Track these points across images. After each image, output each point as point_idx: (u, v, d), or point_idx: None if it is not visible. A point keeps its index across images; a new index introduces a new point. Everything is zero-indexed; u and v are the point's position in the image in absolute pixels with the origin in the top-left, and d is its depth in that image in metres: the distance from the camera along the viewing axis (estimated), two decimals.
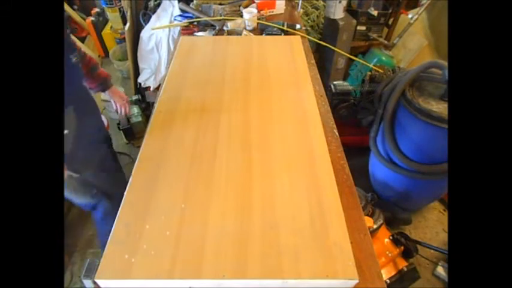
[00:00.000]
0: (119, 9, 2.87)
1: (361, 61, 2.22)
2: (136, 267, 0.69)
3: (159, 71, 2.23)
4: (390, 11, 2.33)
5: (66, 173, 0.99)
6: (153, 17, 2.23)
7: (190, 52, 1.41)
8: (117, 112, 1.39)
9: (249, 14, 1.71)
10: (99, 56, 3.20)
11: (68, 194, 1.21)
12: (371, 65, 2.09)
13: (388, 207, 1.78)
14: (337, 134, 1.09)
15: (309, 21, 2.44)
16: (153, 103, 1.62)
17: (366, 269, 0.75)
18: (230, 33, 1.68)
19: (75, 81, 1.04)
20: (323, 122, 1.06)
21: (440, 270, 1.66)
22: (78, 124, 1.03)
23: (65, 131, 0.98)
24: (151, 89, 2.29)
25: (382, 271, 0.82)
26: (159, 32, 2.17)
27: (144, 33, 2.23)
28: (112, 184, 1.26)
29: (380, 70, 1.90)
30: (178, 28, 1.89)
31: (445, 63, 1.37)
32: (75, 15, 3.05)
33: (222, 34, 1.69)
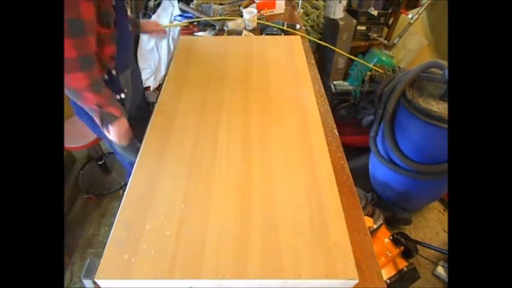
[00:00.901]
0: None
1: (361, 61, 2.22)
2: (136, 267, 0.69)
3: (159, 71, 2.23)
4: (390, 11, 2.33)
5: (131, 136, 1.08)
6: (153, 17, 2.22)
7: (190, 52, 1.41)
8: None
9: (249, 14, 1.71)
10: None
11: (128, 155, 1.24)
12: (371, 65, 2.09)
13: (388, 207, 1.78)
14: (337, 134, 1.09)
15: (309, 21, 2.44)
16: (153, 103, 1.62)
17: (366, 269, 0.75)
18: (230, 33, 1.68)
19: (131, 46, 1.13)
20: (323, 122, 1.06)
21: (440, 270, 1.66)
22: (133, 85, 1.13)
23: (125, 90, 1.08)
24: (151, 89, 2.29)
25: (382, 271, 0.82)
26: None
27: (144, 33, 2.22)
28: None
29: (380, 70, 1.90)
30: (178, 28, 1.89)
31: (445, 63, 1.37)
32: None
33: (222, 34, 1.69)
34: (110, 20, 0.92)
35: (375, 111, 1.72)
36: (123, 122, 1.01)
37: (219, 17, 1.76)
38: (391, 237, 1.52)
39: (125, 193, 0.84)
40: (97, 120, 0.97)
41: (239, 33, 1.67)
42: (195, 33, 1.72)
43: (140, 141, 1.02)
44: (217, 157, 0.92)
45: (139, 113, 1.31)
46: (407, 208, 1.88)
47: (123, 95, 1.08)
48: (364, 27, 2.33)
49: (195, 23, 1.79)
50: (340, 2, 2.10)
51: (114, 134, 1.01)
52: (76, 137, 1.79)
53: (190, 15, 1.82)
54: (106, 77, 1.01)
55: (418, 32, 2.42)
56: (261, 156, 0.93)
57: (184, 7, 1.85)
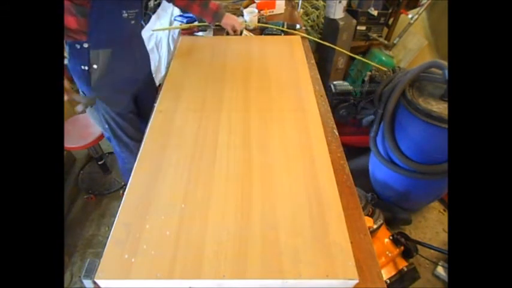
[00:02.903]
0: None
1: (362, 59, 2.22)
2: (136, 267, 0.69)
3: (159, 71, 2.23)
4: (390, 11, 2.33)
5: (81, 99, 1.14)
6: (153, 17, 2.23)
7: (190, 52, 1.41)
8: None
9: (250, 14, 1.71)
10: None
11: (90, 116, 1.41)
12: (373, 63, 2.09)
13: (388, 207, 1.78)
14: (337, 134, 1.09)
15: (309, 21, 2.44)
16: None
17: (366, 269, 0.75)
18: (230, 33, 1.68)
19: (122, 32, 1.18)
20: (323, 122, 1.06)
21: (440, 270, 1.66)
22: (110, 65, 1.17)
23: (94, 66, 1.14)
24: None
25: (382, 271, 0.82)
26: (159, 32, 2.17)
27: (144, 33, 2.22)
28: (122, 128, 1.38)
29: (383, 68, 1.90)
30: None
31: (445, 63, 1.37)
32: None
33: (222, 34, 1.69)
34: None
35: (375, 111, 1.72)
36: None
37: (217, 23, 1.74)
38: (391, 237, 1.52)
39: (125, 193, 0.84)
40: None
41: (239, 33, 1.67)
42: (195, 33, 1.72)
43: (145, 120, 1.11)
44: (217, 157, 0.92)
45: (144, 93, 1.44)
46: (407, 208, 1.88)
47: (87, 67, 1.14)
48: (364, 27, 2.33)
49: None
50: (340, 2, 2.10)
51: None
52: (76, 137, 1.79)
53: (191, 15, 1.81)
54: (77, 46, 1.09)
55: (418, 32, 2.42)
56: (261, 156, 0.93)
57: None
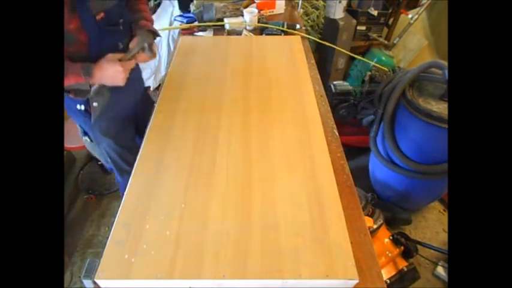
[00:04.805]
0: None
1: (362, 59, 2.22)
2: (136, 267, 0.69)
3: (159, 71, 2.23)
4: (390, 11, 2.33)
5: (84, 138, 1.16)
6: (153, 17, 2.22)
7: (190, 52, 1.41)
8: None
9: (250, 14, 1.71)
10: None
11: (90, 150, 1.39)
12: (373, 62, 2.09)
13: (388, 207, 1.78)
14: (337, 134, 1.09)
15: (309, 21, 2.44)
16: (153, 103, 1.61)
17: (366, 269, 0.75)
18: (230, 33, 1.68)
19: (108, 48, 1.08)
20: (323, 122, 1.06)
21: (440, 270, 1.66)
22: (109, 100, 1.12)
23: (94, 104, 1.08)
24: (151, 89, 2.30)
25: (382, 271, 0.82)
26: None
27: None
28: (124, 159, 1.35)
29: (384, 68, 1.90)
30: None
31: (445, 63, 1.37)
32: None
33: (222, 34, 1.69)
34: None
35: (375, 111, 1.72)
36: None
37: (217, 23, 1.75)
38: (391, 237, 1.52)
39: (125, 193, 0.84)
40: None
41: (239, 33, 1.67)
42: (195, 33, 1.72)
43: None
44: (217, 157, 0.92)
45: (142, 111, 1.34)
46: (407, 208, 1.88)
47: (83, 107, 1.10)
48: (364, 27, 2.33)
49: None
50: (340, 2, 2.10)
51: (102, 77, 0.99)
52: (76, 137, 1.78)
53: (191, 15, 1.81)
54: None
55: (418, 32, 2.42)
56: (261, 156, 0.93)
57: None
